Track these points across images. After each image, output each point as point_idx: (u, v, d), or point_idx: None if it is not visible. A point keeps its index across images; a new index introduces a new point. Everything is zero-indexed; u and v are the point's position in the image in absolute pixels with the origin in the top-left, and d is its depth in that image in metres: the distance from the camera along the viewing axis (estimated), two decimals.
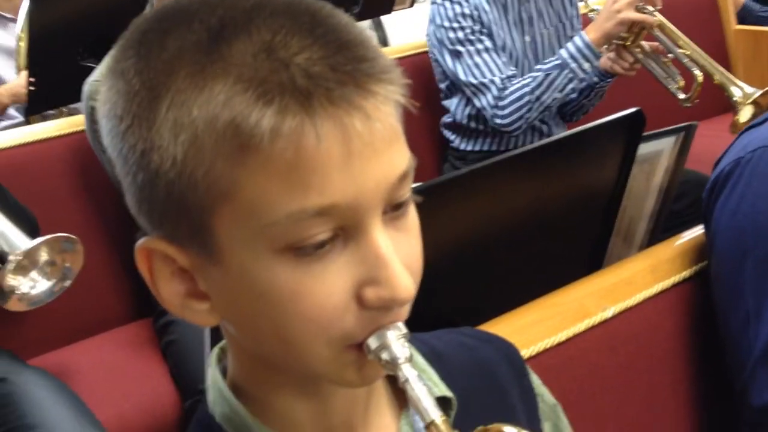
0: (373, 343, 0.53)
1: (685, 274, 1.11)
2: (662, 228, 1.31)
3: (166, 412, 1.71)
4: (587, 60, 2.05)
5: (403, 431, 0.65)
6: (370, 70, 0.50)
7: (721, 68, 1.96)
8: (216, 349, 0.65)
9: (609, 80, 2.20)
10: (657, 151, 1.19)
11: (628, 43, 2.06)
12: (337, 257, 0.52)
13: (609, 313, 1.04)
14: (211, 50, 0.49)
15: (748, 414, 0.98)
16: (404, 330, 0.54)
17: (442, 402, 0.63)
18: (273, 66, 0.48)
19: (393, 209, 0.53)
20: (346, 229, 0.51)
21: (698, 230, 1.14)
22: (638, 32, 2.04)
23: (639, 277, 1.09)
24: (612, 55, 2.10)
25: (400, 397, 0.66)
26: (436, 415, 0.53)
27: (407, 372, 0.54)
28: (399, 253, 0.53)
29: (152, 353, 1.85)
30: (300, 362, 0.55)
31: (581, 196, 1.18)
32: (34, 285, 1.45)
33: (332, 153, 0.48)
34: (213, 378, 0.62)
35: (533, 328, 1.02)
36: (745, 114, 1.88)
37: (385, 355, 0.53)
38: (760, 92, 1.87)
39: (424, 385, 0.54)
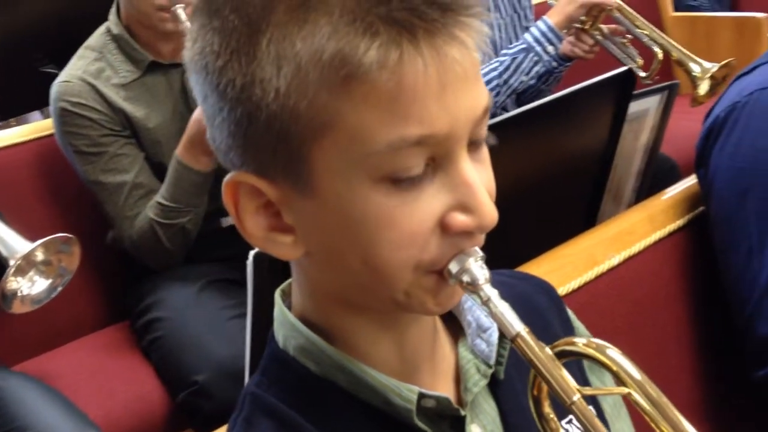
0: (454, 267, 0.56)
1: (680, 222, 1.16)
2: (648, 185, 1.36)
3: (154, 408, 1.70)
4: (551, 43, 2.11)
5: (462, 356, 0.67)
6: (465, 2, 0.52)
7: (678, 46, 2.05)
8: (278, 292, 0.66)
9: (568, 64, 2.26)
10: (644, 110, 1.24)
11: (588, 27, 2.13)
12: (428, 186, 0.54)
13: (615, 260, 1.08)
14: None
15: (754, 344, 1.03)
16: (481, 254, 0.57)
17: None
18: (373, 0, 0.50)
19: (472, 144, 0.56)
20: (437, 158, 0.54)
21: (689, 181, 1.19)
22: (597, 15, 2.11)
23: (638, 227, 1.13)
24: (572, 38, 2.17)
25: (454, 329, 0.69)
26: (520, 327, 0.56)
27: (489, 291, 0.56)
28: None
29: (132, 353, 1.84)
30: (385, 290, 0.57)
31: (575, 156, 1.23)
32: (32, 285, 1.44)
33: (430, 84, 0.51)
34: (282, 316, 0.64)
35: (547, 277, 1.04)
36: (703, 87, 1.96)
37: (466, 278, 0.56)
38: (717, 66, 1.95)
39: (505, 302, 0.56)
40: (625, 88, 1.15)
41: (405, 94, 0.51)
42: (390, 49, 0.50)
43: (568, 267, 1.05)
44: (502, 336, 0.66)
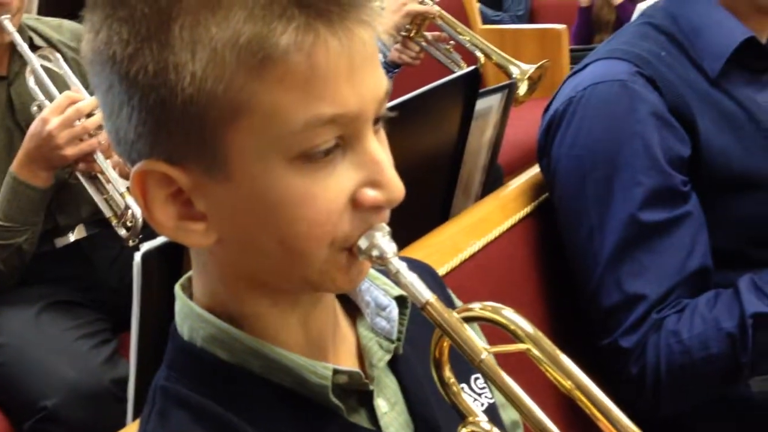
0: (363, 243, 0.59)
1: (528, 209, 1.27)
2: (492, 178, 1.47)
3: None
4: (379, 51, 2.19)
5: (362, 334, 0.71)
6: None
7: (498, 50, 2.20)
8: (177, 286, 0.66)
9: (395, 71, 2.37)
10: (488, 107, 1.34)
11: (413, 34, 2.25)
12: (340, 163, 0.57)
13: (476, 247, 1.16)
14: None
15: (599, 315, 1.15)
16: (388, 228, 0.61)
17: (400, 301, 0.70)
18: None
19: (375, 124, 0.60)
20: (346, 137, 0.57)
21: (532, 171, 1.31)
22: (421, 23, 2.23)
23: (493, 216, 1.23)
24: (399, 46, 2.27)
25: (350, 310, 0.72)
26: (429, 295, 0.60)
27: (397, 264, 0.60)
28: None
29: None
30: (300, 269, 0.59)
31: (429, 154, 1.30)
32: None
33: (342, 65, 0.54)
34: (187, 308, 0.64)
35: None
36: (523, 88, 2.13)
37: (375, 252, 0.59)
38: (534, 67, 2.13)
39: (414, 273, 0.61)
40: (472, 86, 1.24)
41: (319, 75, 0.53)
42: (306, 31, 0.52)
43: (435, 255, 1.11)
44: (400, 314, 0.70)
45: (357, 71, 0.55)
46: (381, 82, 0.58)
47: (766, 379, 1.16)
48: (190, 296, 0.65)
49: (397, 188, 0.58)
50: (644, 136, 1.08)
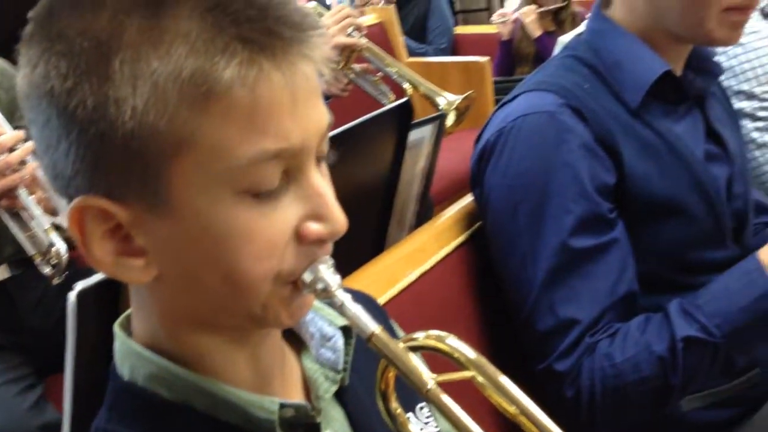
0: (308, 276, 0.60)
1: (462, 238, 1.29)
2: (425, 209, 1.48)
3: None
4: None
5: (307, 367, 0.71)
6: (312, 24, 0.57)
7: (425, 81, 2.24)
8: (116, 325, 0.65)
9: (325, 103, 2.38)
10: (421, 138, 1.36)
11: (342, 66, 2.27)
12: (284, 197, 0.58)
13: (412, 277, 1.18)
14: (159, 6, 0.53)
15: (534, 340, 1.17)
16: (332, 261, 0.61)
17: (346, 330, 0.71)
18: (230, 20, 0.53)
19: (317, 158, 0.60)
20: (290, 171, 0.58)
21: (465, 201, 1.33)
22: (349, 55, 2.26)
23: (428, 245, 1.24)
24: (327, 77, 2.28)
25: (293, 343, 0.72)
26: (374, 326, 0.61)
27: (342, 296, 0.61)
28: None
29: None
30: (244, 304, 0.59)
31: (365, 186, 1.31)
32: None
33: (286, 99, 0.55)
34: (126, 347, 0.63)
35: None
36: (450, 119, 2.17)
37: (320, 285, 0.60)
38: (460, 98, 2.17)
39: (359, 305, 0.61)
40: (404, 118, 1.26)
41: (263, 109, 0.54)
42: (249, 66, 0.53)
43: (372, 286, 1.12)
44: (345, 344, 0.70)
45: (300, 105, 0.56)
46: (324, 115, 0.59)
47: (696, 398, 1.20)
48: (130, 335, 0.64)
49: (340, 221, 0.59)
50: (573, 165, 1.12)
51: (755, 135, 1.53)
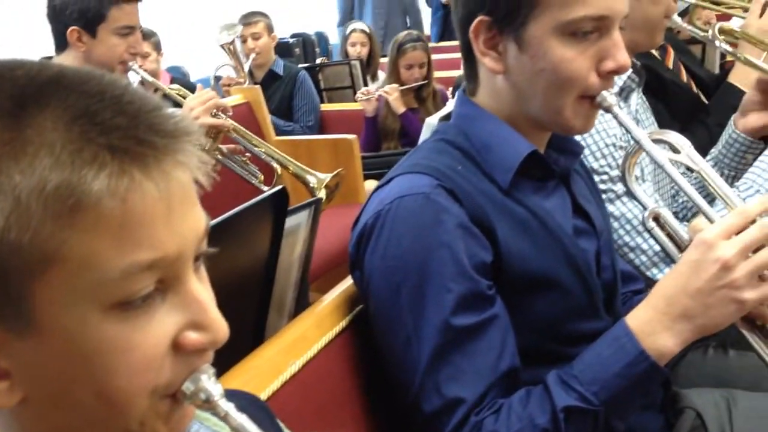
0: (188, 387, 0.58)
1: (343, 323, 1.27)
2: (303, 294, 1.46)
3: None
4: None
5: None
6: (185, 129, 0.55)
7: (294, 160, 2.24)
8: None
9: None
10: (297, 224, 1.34)
11: (208, 147, 2.23)
12: (160, 307, 0.56)
13: (295, 367, 1.14)
14: (20, 116, 0.51)
15: (422, 421, 1.16)
16: (213, 369, 0.59)
17: None
18: (99, 129, 0.51)
19: (195, 262, 0.58)
20: (166, 280, 0.55)
21: (345, 285, 1.32)
22: (216, 136, 2.23)
23: (309, 333, 1.21)
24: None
25: None
26: None
27: (225, 406, 0.59)
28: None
29: None
30: (120, 421, 0.56)
31: (241, 276, 1.28)
32: None
33: (159, 208, 0.53)
34: None
35: None
36: (322, 195, 2.17)
37: (202, 396, 0.58)
38: (330, 176, 2.18)
39: (243, 414, 0.59)
40: (280, 205, 1.25)
41: (135, 220, 0.52)
42: (119, 177, 0.51)
43: (255, 380, 1.08)
44: None
45: (175, 213, 0.54)
46: (200, 219, 0.57)
47: None
48: None
49: (221, 328, 0.57)
50: (450, 245, 1.13)
51: None
